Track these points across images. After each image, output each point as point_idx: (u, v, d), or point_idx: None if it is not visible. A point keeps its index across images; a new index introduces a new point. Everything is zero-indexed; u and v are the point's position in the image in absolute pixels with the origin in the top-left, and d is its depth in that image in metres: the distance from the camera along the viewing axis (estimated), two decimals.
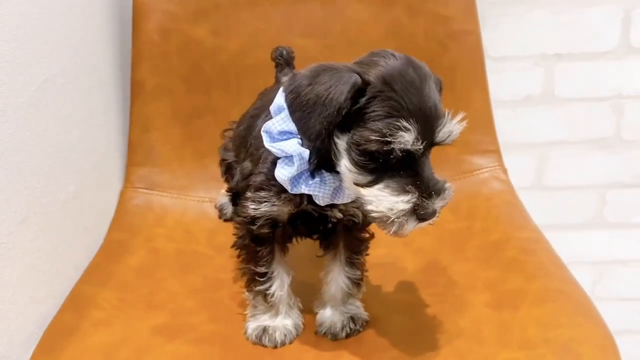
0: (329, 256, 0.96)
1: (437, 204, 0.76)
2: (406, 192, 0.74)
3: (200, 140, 1.38)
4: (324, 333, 0.95)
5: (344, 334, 0.94)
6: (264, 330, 0.94)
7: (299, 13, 1.36)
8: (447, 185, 0.78)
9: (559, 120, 1.58)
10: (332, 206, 0.86)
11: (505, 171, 1.34)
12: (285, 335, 0.94)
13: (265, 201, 0.85)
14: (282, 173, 0.80)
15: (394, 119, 0.72)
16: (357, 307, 0.98)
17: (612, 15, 1.48)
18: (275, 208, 0.86)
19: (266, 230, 0.89)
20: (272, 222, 0.88)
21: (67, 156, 1.10)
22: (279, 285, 0.93)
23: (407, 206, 0.74)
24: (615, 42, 1.50)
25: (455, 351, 0.88)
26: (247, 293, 0.96)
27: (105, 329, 0.96)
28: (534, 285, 0.98)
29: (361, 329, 0.95)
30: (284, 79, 0.79)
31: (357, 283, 0.96)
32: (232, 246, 0.95)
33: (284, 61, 1.17)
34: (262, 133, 0.81)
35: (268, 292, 0.93)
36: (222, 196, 1.31)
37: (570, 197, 1.66)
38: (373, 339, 0.94)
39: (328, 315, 0.96)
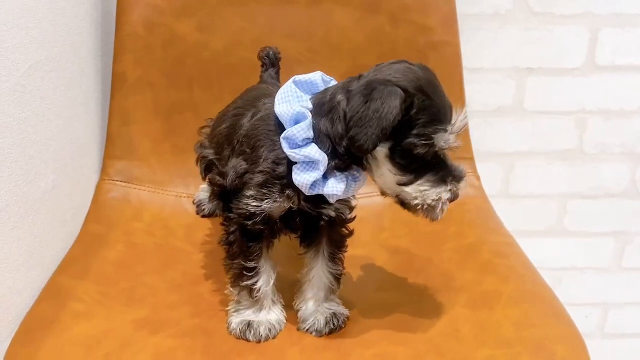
0: (310, 253, 0.98)
1: (463, 185, 0.88)
2: (445, 182, 0.86)
3: (180, 135, 1.37)
4: (307, 330, 0.97)
5: (327, 330, 0.96)
6: (248, 324, 0.95)
7: (284, 15, 1.37)
8: (464, 169, 0.89)
9: (526, 132, 1.65)
10: (326, 203, 0.89)
11: (478, 178, 1.39)
12: (270, 329, 0.95)
13: (267, 198, 0.88)
14: (305, 178, 0.85)
15: (436, 123, 0.82)
16: (338, 304, 1.00)
17: (580, 34, 1.56)
18: (276, 204, 0.88)
19: (260, 226, 0.90)
20: (267, 218, 0.90)
21: (48, 145, 1.08)
22: (265, 280, 0.95)
23: (449, 195, 0.86)
24: (582, 59, 1.58)
25: (435, 349, 0.91)
26: (231, 289, 0.97)
27: (86, 321, 0.95)
28: (508, 287, 1.03)
29: (343, 325, 0.97)
30: (339, 97, 0.86)
31: (338, 279, 0.99)
32: (220, 242, 0.96)
33: (269, 61, 1.20)
34: (282, 140, 0.85)
35: (254, 286, 0.94)
36: (201, 192, 1.31)
37: (533, 206, 1.73)
38: (355, 334, 0.96)
39: (310, 311, 0.98)
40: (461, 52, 1.42)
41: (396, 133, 0.82)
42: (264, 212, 0.89)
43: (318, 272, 0.98)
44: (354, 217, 0.98)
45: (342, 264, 1.00)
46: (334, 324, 0.96)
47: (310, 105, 0.87)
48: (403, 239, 1.25)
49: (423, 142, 0.82)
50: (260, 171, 0.88)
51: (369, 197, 1.35)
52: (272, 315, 0.97)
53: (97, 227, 1.21)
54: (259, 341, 0.94)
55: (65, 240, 1.15)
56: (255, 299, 0.95)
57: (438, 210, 0.87)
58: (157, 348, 0.91)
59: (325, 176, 0.86)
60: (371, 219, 1.32)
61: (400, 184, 0.87)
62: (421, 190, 0.86)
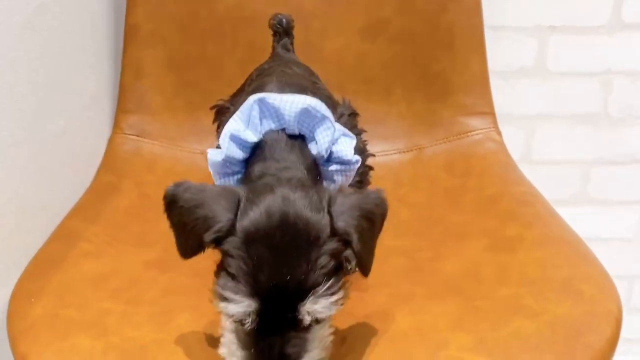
0: None
1: None
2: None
3: (193, 91, 1.35)
4: None
5: None
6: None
7: None
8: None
9: (549, 94, 1.59)
10: None
11: (499, 133, 1.34)
12: None
13: None
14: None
15: (233, 284, 0.65)
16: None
17: None
18: None
19: None
20: None
21: (58, 89, 1.06)
22: None
23: None
24: (607, 16, 1.52)
25: (454, 289, 0.87)
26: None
27: (95, 260, 0.93)
28: (532, 232, 0.98)
29: None
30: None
31: None
32: None
33: (282, 30, 1.13)
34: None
35: None
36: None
37: (555, 173, 1.68)
38: (372, 276, 0.92)
39: None
40: (482, 5, 1.37)
41: None
42: None
43: None
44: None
45: None
46: None
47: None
48: (422, 192, 1.21)
49: (216, 298, 0.67)
50: None
51: (386, 155, 1.33)
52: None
53: (109, 177, 1.19)
54: None
55: (75, 188, 1.13)
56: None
57: None
58: (168, 285, 0.88)
59: None
60: (390, 176, 1.28)
61: None
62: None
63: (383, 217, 0.73)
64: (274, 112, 0.78)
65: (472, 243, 0.99)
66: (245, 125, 0.78)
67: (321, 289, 0.63)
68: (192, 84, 1.35)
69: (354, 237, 0.66)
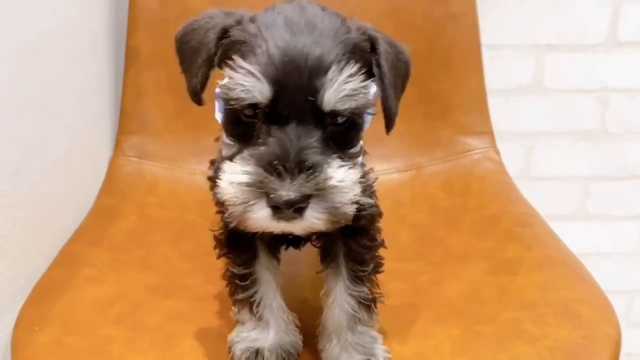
0: (329, 271, 0.79)
1: (295, 187, 0.56)
2: (248, 163, 0.59)
3: (194, 112, 1.34)
4: None
5: None
6: (257, 353, 0.77)
7: None
8: (327, 167, 0.59)
9: (547, 111, 1.61)
10: None
11: (497, 152, 1.35)
12: (284, 358, 0.78)
13: None
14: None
15: (241, 67, 0.59)
16: (373, 340, 0.78)
17: (602, 8, 1.52)
18: None
19: None
20: None
21: (61, 114, 1.07)
22: (265, 292, 0.78)
23: (245, 179, 0.58)
24: (603, 35, 1.54)
25: (456, 312, 0.88)
26: (233, 308, 0.81)
27: (98, 285, 0.93)
28: (532, 253, 0.99)
29: None
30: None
31: (365, 304, 0.77)
32: (215, 247, 0.82)
33: None
34: (215, 101, 0.72)
35: (252, 299, 0.77)
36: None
37: (555, 188, 1.69)
38: None
39: (335, 355, 0.77)
40: (479, 25, 1.39)
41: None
42: None
43: (337, 296, 0.77)
44: (371, 219, 0.79)
45: (373, 285, 0.78)
46: None
47: None
48: (422, 213, 1.22)
49: (224, 90, 0.61)
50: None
51: (387, 174, 1.34)
52: (282, 337, 0.78)
53: (110, 200, 1.19)
54: None
55: (77, 211, 1.14)
56: (257, 315, 0.77)
57: (239, 209, 0.58)
58: (170, 311, 0.89)
59: None
60: (389, 195, 1.29)
61: (224, 159, 0.64)
62: (224, 170, 0.61)
63: (407, 77, 0.71)
64: None
65: (473, 265, 1.00)
66: None
67: (342, 70, 0.59)
68: (192, 105, 1.35)
69: (383, 59, 0.63)
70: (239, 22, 0.64)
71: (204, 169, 1.33)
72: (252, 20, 0.65)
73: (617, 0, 1.51)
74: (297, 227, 0.59)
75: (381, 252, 0.83)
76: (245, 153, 0.60)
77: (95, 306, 0.88)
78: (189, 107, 1.34)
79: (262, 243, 0.78)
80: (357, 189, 0.61)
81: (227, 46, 0.63)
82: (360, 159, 0.73)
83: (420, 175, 1.33)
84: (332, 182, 0.59)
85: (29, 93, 0.95)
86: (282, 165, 0.57)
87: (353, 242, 0.77)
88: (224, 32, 0.64)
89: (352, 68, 0.60)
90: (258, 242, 0.78)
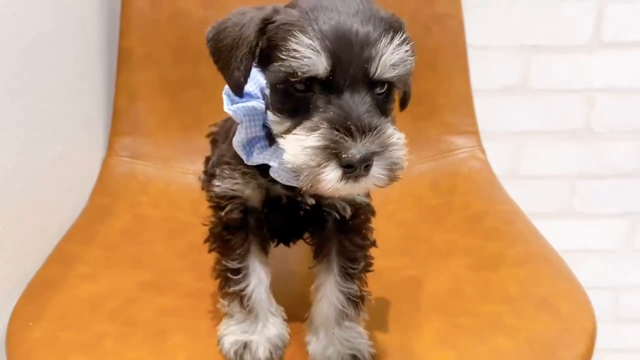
0: (321, 267, 0.82)
1: (364, 145, 0.62)
2: (318, 128, 0.64)
3: (186, 112, 1.38)
4: None
5: None
6: (245, 346, 0.80)
7: None
8: (386, 127, 0.64)
9: (534, 111, 1.64)
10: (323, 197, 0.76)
11: (483, 151, 1.38)
12: (271, 352, 0.81)
13: (229, 178, 0.77)
14: (236, 139, 0.74)
15: (298, 43, 0.64)
16: (359, 335, 0.81)
17: (586, 10, 1.55)
18: (237, 186, 0.78)
19: (235, 216, 0.79)
20: (242, 206, 0.79)
21: (55, 115, 1.09)
22: (256, 285, 0.81)
23: (318, 143, 0.62)
24: (588, 36, 1.57)
25: (439, 306, 0.91)
26: (221, 301, 0.84)
27: (92, 282, 0.96)
28: (514, 250, 1.02)
29: None
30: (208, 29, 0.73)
31: (353, 301, 0.81)
32: (205, 241, 0.86)
33: None
34: (224, 95, 0.75)
35: (244, 293, 0.81)
36: None
37: (542, 187, 1.72)
38: None
39: (321, 348, 0.81)
40: (465, 26, 1.41)
41: (264, 62, 0.68)
42: (229, 195, 0.78)
43: (326, 291, 0.81)
44: (365, 219, 0.83)
45: (362, 282, 0.82)
46: None
47: None
48: (408, 211, 1.25)
49: (281, 68, 0.64)
50: (227, 148, 0.80)
51: None
52: (270, 330, 0.82)
53: (103, 199, 1.22)
54: None
55: (71, 210, 1.16)
56: (247, 308, 0.81)
57: (311, 175, 0.63)
58: (162, 307, 0.91)
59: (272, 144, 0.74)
60: (377, 192, 1.31)
61: (276, 135, 0.68)
62: (289, 141, 0.66)
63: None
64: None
65: (456, 261, 1.03)
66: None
67: (390, 42, 0.65)
68: (185, 105, 1.38)
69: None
70: (277, 12, 0.69)
71: (196, 168, 1.36)
72: (292, 6, 0.69)
73: (602, 2, 1.54)
74: (362, 185, 0.64)
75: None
76: (315, 119, 0.65)
77: (89, 302, 0.90)
78: (180, 108, 1.38)
79: (254, 238, 0.82)
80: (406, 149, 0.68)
81: (272, 32, 0.67)
82: None
83: (408, 173, 1.34)
84: (393, 140, 0.65)
85: (23, 94, 0.97)
86: (353, 127, 0.63)
87: (346, 240, 0.81)
88: (265, 23, 0.68)
89: (398, 40, 0.67)
90: (251, 237, 0.81)
